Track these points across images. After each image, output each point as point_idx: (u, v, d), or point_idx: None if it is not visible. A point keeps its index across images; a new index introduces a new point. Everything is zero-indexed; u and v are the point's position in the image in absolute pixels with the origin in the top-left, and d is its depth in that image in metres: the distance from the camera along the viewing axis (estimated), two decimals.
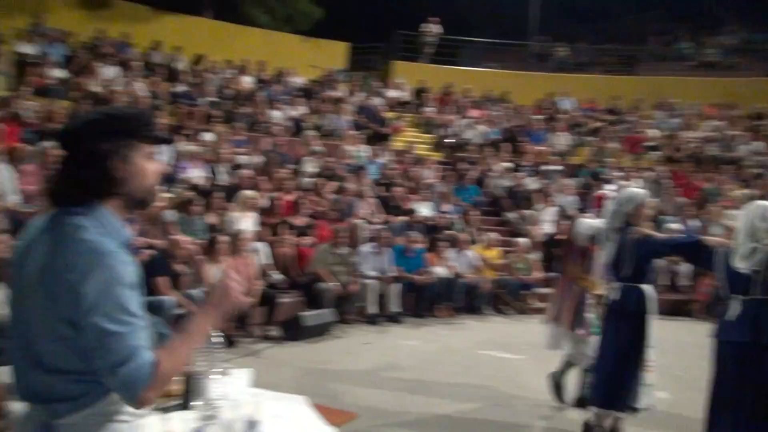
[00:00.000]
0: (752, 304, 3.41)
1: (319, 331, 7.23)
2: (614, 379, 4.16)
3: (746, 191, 12.02)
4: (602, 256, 4.49)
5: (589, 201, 11.36)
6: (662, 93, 16.79)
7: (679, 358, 6.18)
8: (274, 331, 7.18)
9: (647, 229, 4.26)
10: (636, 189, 4.64)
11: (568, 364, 5.08)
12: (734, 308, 3.46)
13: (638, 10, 23.56)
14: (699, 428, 4.18)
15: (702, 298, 9.62)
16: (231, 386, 2.42)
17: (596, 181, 12.40)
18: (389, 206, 10.20)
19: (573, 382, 5.07)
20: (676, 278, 10.09)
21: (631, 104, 16.62)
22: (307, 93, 14.28)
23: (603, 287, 4.74)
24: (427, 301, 8.76)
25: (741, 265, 3.46)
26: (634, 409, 4.20)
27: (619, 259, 4.20)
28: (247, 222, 8.16)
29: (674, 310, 9.26)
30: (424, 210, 10.47)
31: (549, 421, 4.88)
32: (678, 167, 13.53)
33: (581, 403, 4.89)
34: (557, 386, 5.12)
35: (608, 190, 11.76)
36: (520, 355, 6.85)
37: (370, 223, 9.35)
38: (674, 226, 10.38)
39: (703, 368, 4.88)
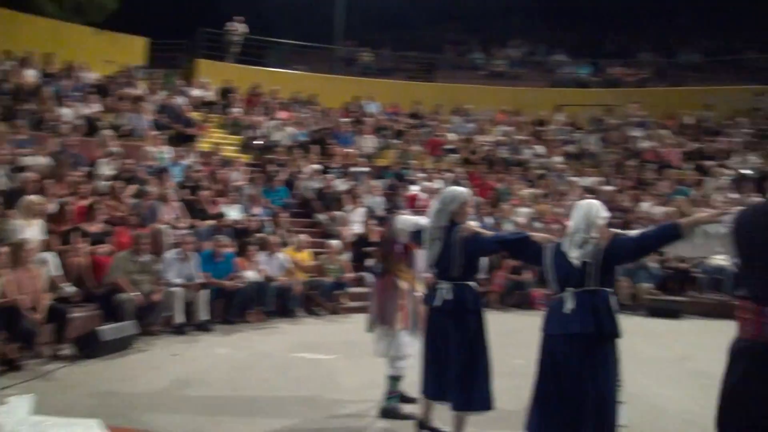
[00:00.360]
0: (586, 296, 3.47)
1: (120, 346, 6.70)
2: (460, 376, 4.05)
3: (532, 190, 13.30)
4: (424, 254, 4.39)
5: (395, 201, 11.79)
6: (458, 99, 17.99)
7: None
8: (67, 350, 6.52)
9: (474, 227, 4.23)
10: (459, 188, 4.54)
11: (395, 380, 4.83)
12: (569, 301, 3.50)
13: (436, 21, 24.93)
14: (508, 416, 4.40)
15: (497, 290, 10.42)
16: (8, 416, 2.12)
17: (401, 182, 12.95)
18: (195, 210, 9.78)
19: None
20: None
21: (431, 109, 17.59)
22: (101, 90, 13.24)
23: (423, 285, 4.69)
24: (238, 306, 8.53)
25: (573, 254, 3.53)
26: (489, 408, 4.11)
27: (447, 257, 4.16)
28: (32, 230, 7.33)
29: None
30: (233, 213, 10.19)
31: (362, 421, 4.91)
32: (474, 168, 14.55)
33: (390, 413, 4.78)
34: (404, 401, 4.87)
35: (416, 190, 12.34)
36: (333, 355, 6.91)
37: (175, 227, 8.89)
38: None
39: (506, 356, 5.26)
